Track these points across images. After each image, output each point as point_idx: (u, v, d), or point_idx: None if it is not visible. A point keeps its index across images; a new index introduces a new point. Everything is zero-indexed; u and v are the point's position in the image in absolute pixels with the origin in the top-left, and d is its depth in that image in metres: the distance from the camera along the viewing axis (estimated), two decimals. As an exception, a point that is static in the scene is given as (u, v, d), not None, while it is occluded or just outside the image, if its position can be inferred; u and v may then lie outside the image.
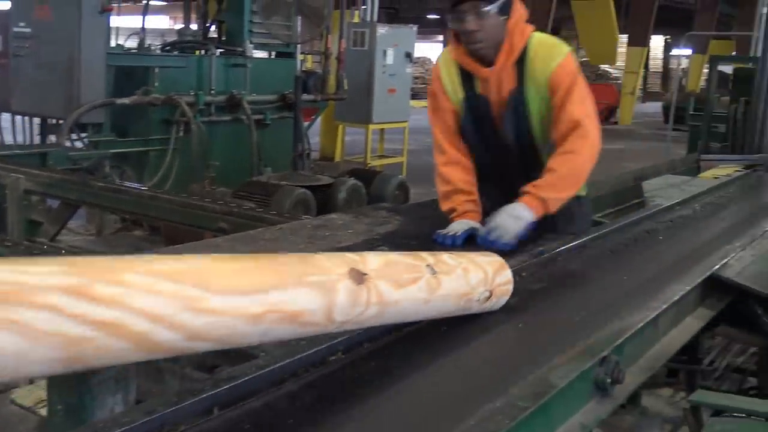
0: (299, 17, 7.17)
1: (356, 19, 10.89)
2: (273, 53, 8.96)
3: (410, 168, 10.61)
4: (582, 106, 2.69)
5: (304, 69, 9.66)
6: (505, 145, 2.85)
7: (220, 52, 8.01)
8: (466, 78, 2.79)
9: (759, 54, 6.50)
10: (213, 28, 8.59)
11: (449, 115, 2.85)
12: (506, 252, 2.47)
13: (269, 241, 2.55)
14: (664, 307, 2.18)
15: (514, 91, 2.73)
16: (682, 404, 3.43)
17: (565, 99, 2.67)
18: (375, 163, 10.59)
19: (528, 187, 2.66)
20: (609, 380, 1.86)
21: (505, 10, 2.63)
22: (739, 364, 4.18)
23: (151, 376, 2.05)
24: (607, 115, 21.85)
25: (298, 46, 7.56)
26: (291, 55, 7.96)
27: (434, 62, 2.97)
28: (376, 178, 8.05)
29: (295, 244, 2.52)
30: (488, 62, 2.71)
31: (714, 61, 8.78)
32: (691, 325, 2.57)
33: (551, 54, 2.70)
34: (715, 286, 2.71)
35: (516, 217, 2.61)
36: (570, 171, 2.69)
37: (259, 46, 8.44)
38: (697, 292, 2.62)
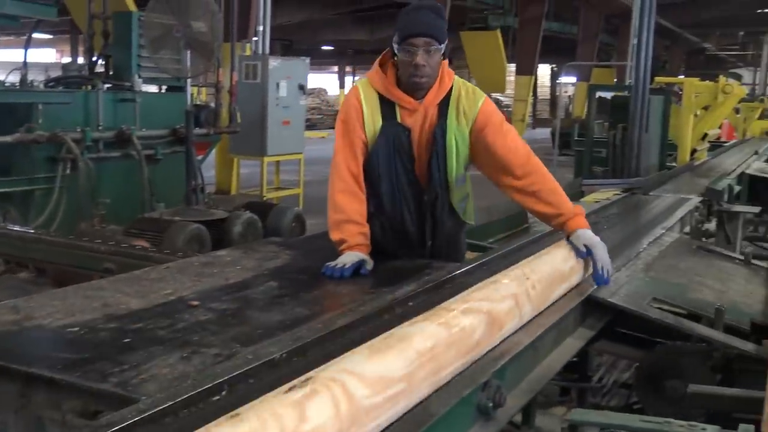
0: (188, 51, 7.11)
1: (248, 52, 10.87)
2: (163, 87, 8.83)
3: (307, 199, 10.62)
4: (517, 137, 2.99)
5: (196, 102, 9.57)
6: (415, 178, 2.94)
7: (108, 87, 7.83)
8: (387, 108, 2.89)
9: (632, 82, 6.85)
10: (100, 62, 8.41)
11: (358, 143, 2.90)
12: (393, 284, 2.54)
13: (155, 281, 2.51)
14: (541, 331, 2.26)
15: (437, 125, 2.89)
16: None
17: (500, 131, 2.92)
18: (271, 195, 10.55)
19: (566, 214, 2.91)
20: (491, 404, 1.93)
21: (445, 52, 2.87)
22: (625, 379, 4.37)
23: (31, 424, 1.98)
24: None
25: (188, 80, 7.47)
26: (181, 89, 7.86)
27: (350, 89, 3.05)
28: (271, 211, 8.03)
29: (181, 283, 2.50)
30: (414, 97, 2.88)
31: (592, 89, 9.20)
32: (572, 345, 2.68)
33: (476, 94, 2.95)
34: (593, 306, 2.84)
35: (602, 245, 2.89)
36: (556, 184, 2.97)
37: (149, 81, 8.30)
38: (576, 314, 2.74)
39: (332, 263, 2.71)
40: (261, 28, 10.44)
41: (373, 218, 2.96)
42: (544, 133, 26.84)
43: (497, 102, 31.59)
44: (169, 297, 2.35)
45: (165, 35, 7.19)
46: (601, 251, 2.86)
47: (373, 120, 2.89)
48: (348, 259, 2.72)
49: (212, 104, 9.12)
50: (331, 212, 2.88)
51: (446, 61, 2.90)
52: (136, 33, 8.01)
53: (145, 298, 2.33)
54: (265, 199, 10.12)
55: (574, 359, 3.98)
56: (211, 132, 8.68)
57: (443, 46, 2.81)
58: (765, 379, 2.63)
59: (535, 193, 2.91)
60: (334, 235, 2.84)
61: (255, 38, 10.71)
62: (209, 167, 11.69)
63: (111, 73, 8.22)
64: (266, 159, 10.27)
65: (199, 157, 8.47)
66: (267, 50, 10.57)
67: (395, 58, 2.86)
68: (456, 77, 2.97)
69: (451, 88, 2.91)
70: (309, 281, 2.63)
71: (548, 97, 38.56)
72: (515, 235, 4.95)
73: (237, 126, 9.14)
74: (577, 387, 4.08)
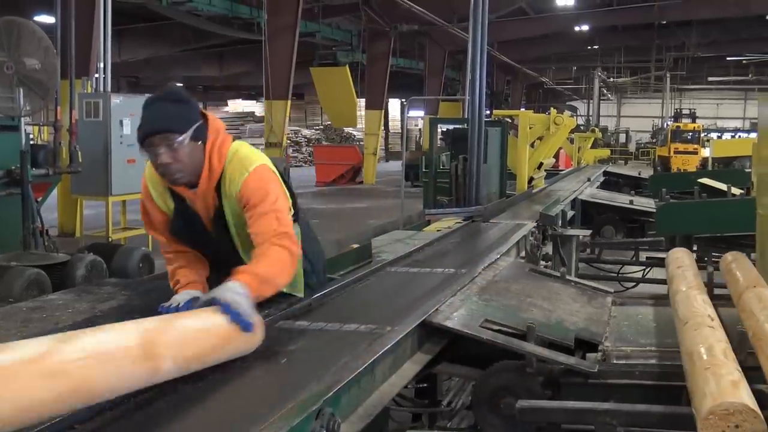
0: (20, 88, 6.82)
1: (89, 90, 10.54)
2: (-4, 127, 8.40)
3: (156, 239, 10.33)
4: (275, 221, 2.70)
5: (35, 142, 9.16)
6: (216, 248, 2.91)
7: (-66, 127, 7.38)
8: (175, 192, 2.79)
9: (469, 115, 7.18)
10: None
11: (160, 220, 2.88)
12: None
13: (-23, 330, 2.40)
14: (374, 358, 2.32)
15: (216, 208, 2.79)
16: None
17: (255, 214, 2.71)
18: (118, 236, 10.21)
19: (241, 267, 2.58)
20: (324, 432, 1.96)
21: (200, 134, 2.63)
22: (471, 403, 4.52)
23: None
24: (352, 175, 22.84)
25: (23, 118, 7.17)
26: (15, 128, 7.52)
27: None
28: (117, 252, 7.79)
29: (6, 330, 2.39)
30: (188, 187, 2.74)
31: (433, 122, 9.57)
32: (410, 369, 2.76)
33: (240, 170, 2.72)
34: (430, 331, 2.94)
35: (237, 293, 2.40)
36: (278, 258, 2.67)
37: (-20, 120, 7.88)
38: (413, 339, 2.82)
39: (166, 303, 2.68)
40: (101, 64, 10.16)
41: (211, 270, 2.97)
42: (396, 165, 27.48)
43: (350, 136, 32.02)
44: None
45: (-5, 72, 6.89)
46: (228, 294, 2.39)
47: (165, 201, 2.84)
48: (181, 297, 2.69)
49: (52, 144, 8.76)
50: (166, 264, 2.91)
51: (214, 139, 2.70)
52: (-36, 70, 7.60)
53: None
54: (111, 240, 9.79)
55: (424, 385, 4.12)
56: (51, 172, 8.33)
57: (187, 134, 2.58)
58: (589, 391, 2.83)
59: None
60: (171, 283, 2.84)
61: (96, 75, 10.41)
62: (52, 209, 11.19)
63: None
64: (111, 199, 9.94)
65: (38, 199, 8.11)
66: (108, 87, 10.29)
67: None
68: (232, 149, 2.76)
69: (224, 167, 2.73)
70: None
71: (399, 130, 39.52)
72: (363, 267, 5.04)
73: (78, 165, 8.82)
74: (427, 412, 4.21)
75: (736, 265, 3.39)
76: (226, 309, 2.27)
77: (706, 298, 3.03)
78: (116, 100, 9.97)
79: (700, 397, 2.02)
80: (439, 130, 11.74)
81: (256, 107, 34.95)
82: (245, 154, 2.78)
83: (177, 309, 2.62)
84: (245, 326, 2.28)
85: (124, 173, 9.95)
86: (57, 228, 11.63)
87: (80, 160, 8.85)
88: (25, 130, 7.92)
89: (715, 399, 1.95)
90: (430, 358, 2.89)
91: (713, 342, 2.41)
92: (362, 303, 3.21)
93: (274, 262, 2.63)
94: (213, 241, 2.87)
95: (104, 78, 10.22)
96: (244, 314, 2.29)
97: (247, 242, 2.80)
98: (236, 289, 2.37)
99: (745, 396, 1.96)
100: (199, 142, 2.64)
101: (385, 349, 2.46)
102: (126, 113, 9.95)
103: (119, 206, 10.67)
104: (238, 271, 2.50)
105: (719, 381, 2.06)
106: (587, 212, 8.60)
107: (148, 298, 2.85)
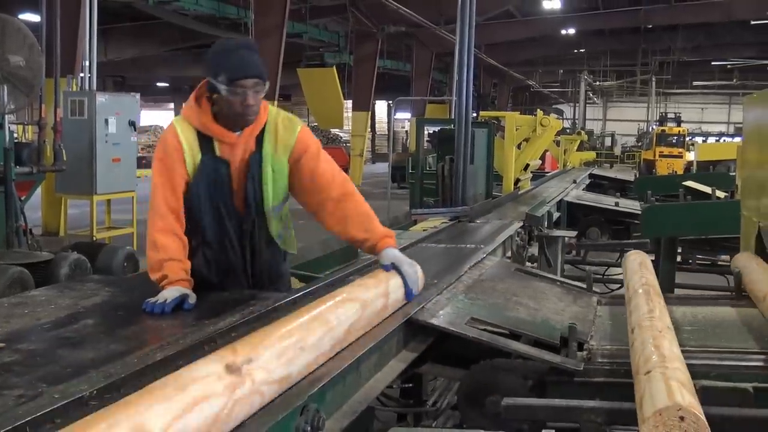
0: (5, 85, 6.77)
1: (75, 88, 10.47)
2: (-21, 124, 8.33)
3: (141, 238, 10.27)
4: (333, 164, 3.10)
5: (18, 140, 9.09)
6: (235, 209, 2.96)
7: None
8: (205, 142, 2.92)
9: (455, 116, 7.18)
10: None
11: (179, 180, 2.89)
12: (216, 316, 2.52)
13: (-43, 326, 2.36)
14: (360, 353, 2.31)
15: (253, 155, 2.95)
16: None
17: (318, 157, 3.03)
18: (103, 235, 10.16)
19: (374, 239, 2.99)
20: (309, 428, 1.95)
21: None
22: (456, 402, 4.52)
23: None
24: (339, 176, 22.79)
25: (6, 116, 7.11)
26: (0, 126, 7.46)
27: (165, 128, 3.05)
28: (101, 251, 7.75)
29: (-13, 326, 2.36)
30: (233, 131, 2.92)
31: (420, 123, 9.57)
32: (396, 367, 2.75)
33: (293, 122, 3.06)
34: (416, 329, 2.93)
35: (409, 262, 2.97)
36: (369, 209, 3.07)
37: (-37, 117, 7.81)
38: (399, 337, 2.81)
39: (153, 299, 2.66)
40: (87, 62, 10.10)
41: (197, 252, 2.96)
42: (383, 167, 27.50)
43: (336, 138, 32.06)
44: (-30, 341, 2.21)
45: (-21, 69, 6.84)
46: (408, 268, 2.93)
47: (192, 155, 2.90)
48: (169, 294, 2.67)
49: (36, 142, 8.71)
50: (150, 252, 2.84)
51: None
52: (-52, 67, 7.53)
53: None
54: (95, 239, 9.73)
55: (409, 385, 4.11)
56: (35, 171, 8.28)
57: (268, 82, 2.90)
58: (574, 389, 2.83)
59: (348, 218, 3.00)
60: (155, 274, 2.80)
61: (82, 74, 10.35)
62: (36, 208, 11.12)
63: None
64: (96, 198, 9.89)
65: (22, 198, 8.06)
66: (94, 85, 10.24)
67: (212, 95, 2.87)
68: (271, 107, 3.05)
69: (267, 119, 2.99)
70: (127, 318, 2.57)
71: (386, 132, 39.59)
72: (348, 266, 5.02)
73: (63, 164, 8.78)
74: (412, 412, 4.20)
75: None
76: (409, 290, 2.91)
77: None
78: (102, 98, 9.92)
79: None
80: (426, 132, 11.81)
81: (242, 108, 34.81)
82: (290, 114, 3.12)
83: (164, 306, 2.60)
84: (410, 298, 2.92)
85: (108, 172, 9.90)
86: (41, 227, 11.56)
87: (65, 158, 8.81)
88: (9, 127, 7.86)
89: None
90: (415, 356, 2.88)
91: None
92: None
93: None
94: (230, 194, 2.96)
95: (90, 76, 10.16)
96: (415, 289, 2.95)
97: (277, 191, 3.02)
98: (411, 263, 2.96)
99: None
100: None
101: (371, 346, 2.45)
102: (111, 112, 9.91)
103: (104, 205, 10.61)
104: (384, 234, 2.99)
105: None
106: (573, 214, 8.64)
107: (133, 295, 2.82)
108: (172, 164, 2.88)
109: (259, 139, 2.97)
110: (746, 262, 3.76)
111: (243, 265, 3.03)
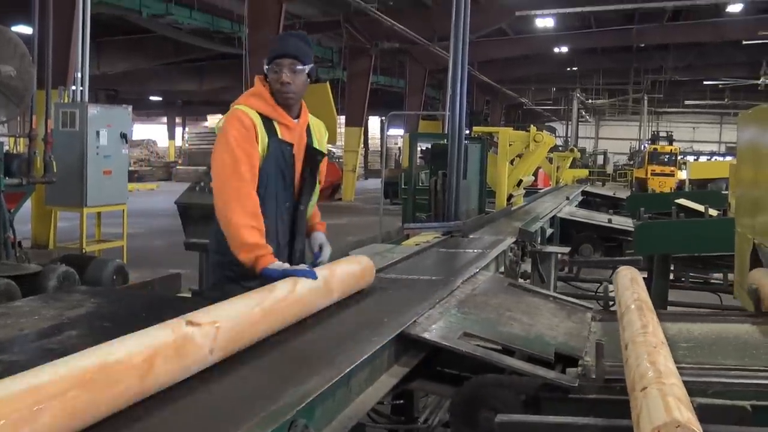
0: (-5, 96, 6.73)
1: (67, 99, 10.42)
2: (-32, 135, 8.29)
3: (132, 251, 10.22)
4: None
5: (8, 151, 9.02)
6: (293, 191, 3.26)
7: None
8: (269, 126, 3.16)
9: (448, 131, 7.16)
10: None
11: (257, 158, 3.10)
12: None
13: (-63, 336, 2.30)
14: (349, 369, 2.26)
15: (309, 142, 3.31)
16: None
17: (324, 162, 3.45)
18: (93, 248, 10.07)
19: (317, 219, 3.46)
20: (297, 444, 1.90)
21: (311, 75, 3.25)
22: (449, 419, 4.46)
23: None
24: (331, 192, 22.76)
25: (-3, 126, 7.07)
26: (-11, 137, 7.42)
27: (226, 116, 3.23)
28: (91, 264, 7.70)
29: (-32, 336, 2.30)
30: (290, 116, 3.23)
31: (413, 138, 9.55)
32: (387, 382, 2.69)
33: (322, 124, 3.50)
34: (407, 343, 2.88)
35: (329, 246, 3.40)
36: None
37: (-48, 128, 7.77)
38: (390, 351, 2.76)
39: (277, 265, 2.89)
40: (79, 74, 10.05)
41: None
42: (375, 183, 27.45)
43: (330, 153, 32.07)
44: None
45: (-31, 80, 6.79)
46: (326, 250, 3.36)
47: (262, 136, 3.10)
48: (287, 265, 2.94)
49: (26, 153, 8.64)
50: (238, 214, 2.95)
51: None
52: (-63, 77, 7.48)
53: None
54: (85, 252, 9.65)
55: (400, 401, 4.06)
56: (24, 182, 8.22)
57: (307, 67, 3.18)
58: (569, 405, 2.78)
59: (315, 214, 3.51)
60: (254, 237, 2.94)
61: (74, 86, 10.30)
62: (25, 220, 11.03)
63: None
64: (86, 210, 9.82)
65: (11, 209, 8.00)
66: (86, 97, 10.18)
67: (267, 79, 3.18)
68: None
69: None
70: (113, 329, 2.50)
71: (379, 148, 39.59)
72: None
73: (53, 176, 8.71)
74: (403, 429, 4.15)
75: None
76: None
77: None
78: (93, 110, 9.87)
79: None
80: (419, 149, 11.80)
81: (235, 123, 34.78)
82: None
83: (306, 272, 2.80)
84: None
85: (99, 184, 9.83)
86: (30, 239, 11.46)
87: (55, 170, 8.75)
88: (-1, 139, 7.82)
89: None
90: (407, 371, 2.83)
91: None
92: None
93: None
94: (293, 176, 3.24)
95: (81, 89, 10.11)
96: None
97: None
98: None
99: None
100: (308, 80, 3.24)
101: (361, 360, 2.39)
102: (103, 124, 9.85)
103: (94, 218, 10.53)
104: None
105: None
106: (566, 230, 8.61)
107: (119, 306, 2.77)
108: (252, 140, 3.09)
109: (308, 132, 3.31)
110: (763, 278, 3.69)
111: (285, 252, 3.26)
